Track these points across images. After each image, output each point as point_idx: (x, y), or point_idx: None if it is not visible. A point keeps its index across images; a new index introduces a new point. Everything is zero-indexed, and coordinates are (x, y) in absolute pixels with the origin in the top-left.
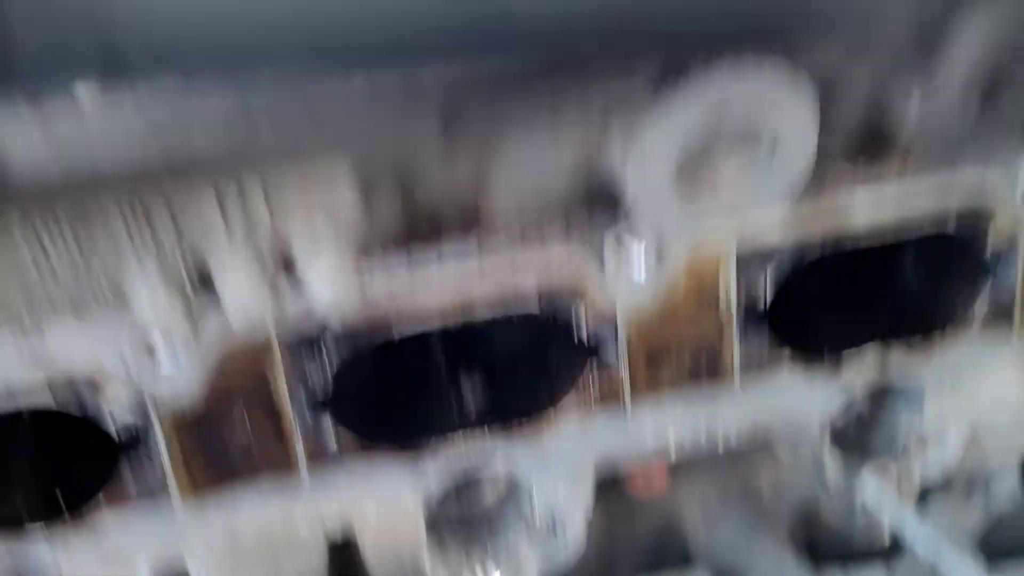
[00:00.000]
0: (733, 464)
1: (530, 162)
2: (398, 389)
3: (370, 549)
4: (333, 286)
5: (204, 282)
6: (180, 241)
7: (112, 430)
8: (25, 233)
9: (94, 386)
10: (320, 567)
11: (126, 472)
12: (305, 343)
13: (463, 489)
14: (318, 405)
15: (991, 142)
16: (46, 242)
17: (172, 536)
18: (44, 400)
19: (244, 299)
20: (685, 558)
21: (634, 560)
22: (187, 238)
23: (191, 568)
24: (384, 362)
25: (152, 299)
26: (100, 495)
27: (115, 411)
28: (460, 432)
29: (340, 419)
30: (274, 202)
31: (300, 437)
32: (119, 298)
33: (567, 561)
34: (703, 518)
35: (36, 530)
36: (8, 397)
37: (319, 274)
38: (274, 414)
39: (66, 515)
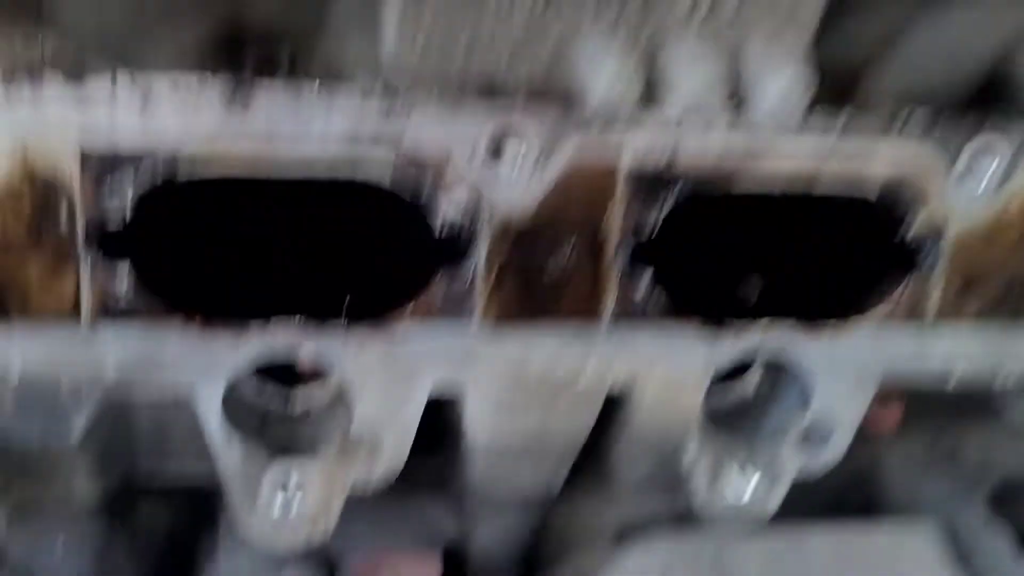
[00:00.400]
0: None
1: (941, 45)
2: (719, 256)
3: (643, 412)
4: (786, 102)
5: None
6: (644, 20)
7: (437, 225)
8: None
9: (437, 174)
10: (592, 416)
11: (436, 283)
12: (651, 183)
13: (739, 376)
14: (642, 257)
15: None
16: None
17: (463, 358)
18: (382, 175)
19: (692, 100)
20: (867, 507)
21: (816, 500)
22: (651, 21)
23: (470, 393)
24: (716, 222)
25: (599, 72)
26: (408, 302)
27: (447, 206)
28: (762, 316)
29: (658, 277)
30: (745, 5)
31: (614, 286)
32: (557, 62)
33: (824, 470)
34: (906, 471)
35: (337, 324)
36: (353, 165)
37: (774, 87)
38: (596, 255)
39: (372, 314)
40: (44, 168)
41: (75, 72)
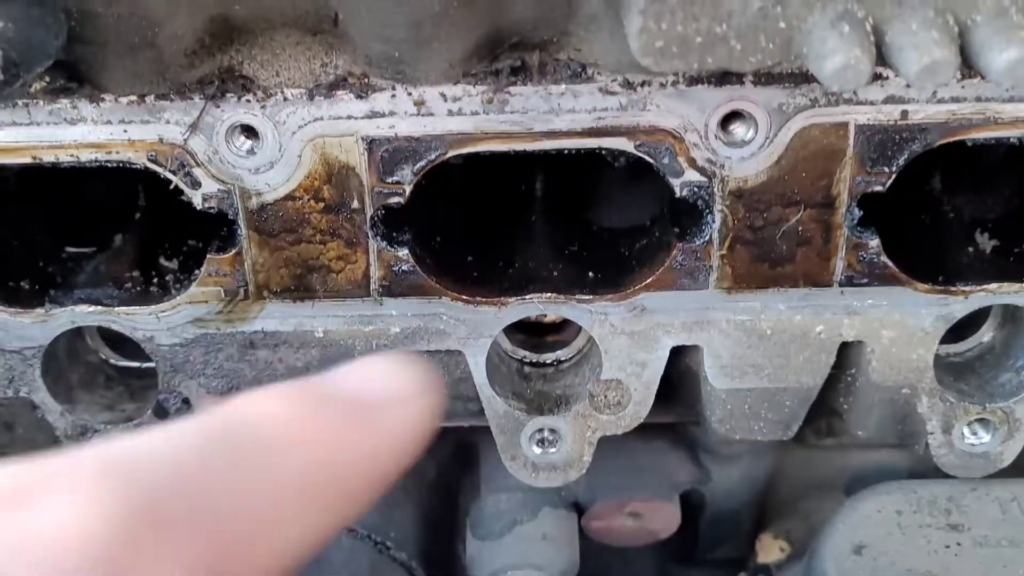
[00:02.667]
0: None
1: None
2: (947, 215)
3: (875, 365)
4: (1015, 71)
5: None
6: None
7: (676, 186)
8: None
9: (673, 152)
10: (825, 369)
11: (674, 253)
12: (879, 150)
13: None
14: (871, 220)
15: None
16: None
17: (699, 322)
18: (624, 145)
19: (921, 67)
20: None
21: None
22: None
23: (707, 351)
24: (941, 182)
25: (829, 50)
26: (647, 269)
27: (686, 169)
28: (993, 273)
29: (887, 239)
30: None
31: (844, 249)
32: (787, 44)
33: None
34: None
35: (585, 294)
36: (592, 132)
37: (1003, 58)
38: (825, 221)
39: (617, 284)
40: (338, 159)
41: (363, 86)
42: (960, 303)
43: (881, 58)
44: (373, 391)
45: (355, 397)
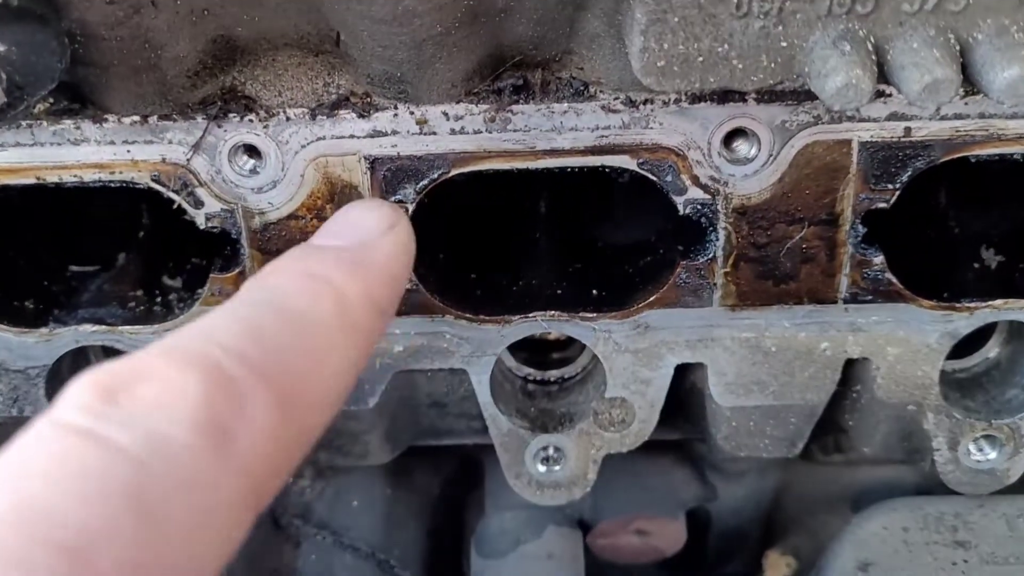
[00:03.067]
0: None
1: None
2: (951, 233)
3: (880, 382)
4: (1017, 89)
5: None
6: (872, 14)
7: (679, 204)
8: None
9: (676, 169)
10: (830, 386)
11: (677, 271)
12: (882, 166)
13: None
14: (875, 237)
15: None
16: None
17: (703, 340)
18: (627, 163)
19: (922, 86)
20: None
21: None
22: (879, 13)
23: (711, 367)
24: (946, 200)
25: (831, 69)
26: (651, 287)
27: (689, 187)
28: (998, 290)
29: (892, 256)
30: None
31: (848, 267)
32: (789, 63)
33: None
34: None
35: (589, 312)
36: (595, 150)
37: (1004, 76)
38: (829, 238)
39: (620, 302)
40: (341, 178)
41: (365, 106)
42: (965, 319)
43: (883, 76)
44: (360, 232)
45: (349, 243)
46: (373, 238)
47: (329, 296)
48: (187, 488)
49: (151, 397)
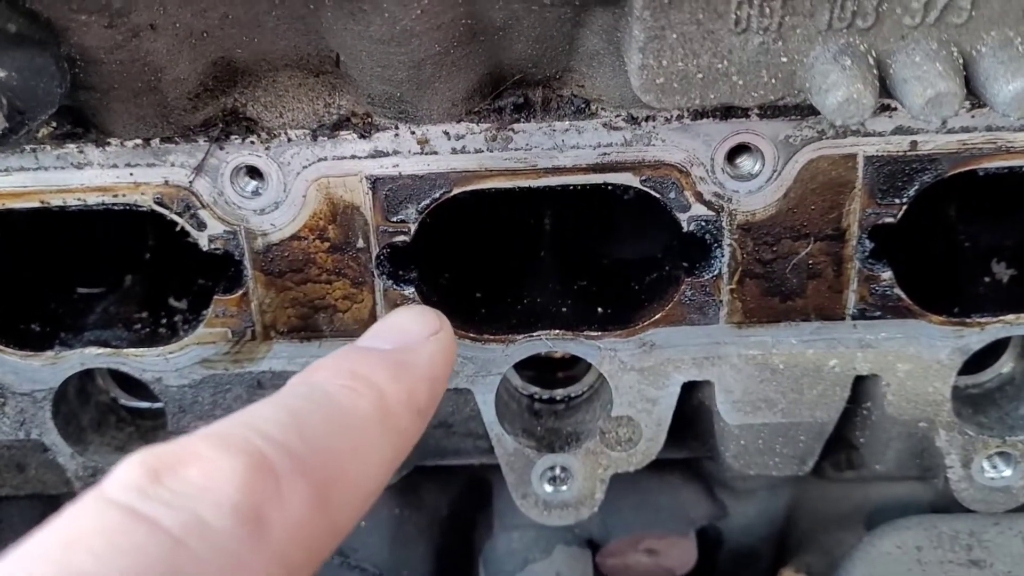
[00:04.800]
0: None
1: None
2: (960, 248)
3: (891, 399)
4: (1020, 105)
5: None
6: (873, 28)
7: (683, 220)
8: (736, 0)
9: (679, 186)
10: (840, 403)
11: (682, 289)
12: (888, 180)
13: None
14: (883, 252)
15: None
16: (752, 11)
17: (710, 358)
18: (629, 180)
19: (926, 100)
20: None
21: None
22: (881, 27)
23: (719, 385)
24: (954, 214)
25: (833, 83)
26: (656, 304)
27: (692, 203)
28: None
29: (900, 271)
30: (978, 6)
31: (856, 283)
32: (790, 79)
33: None
34: None
35: (593, 330)
36: (597, 167)
37: (1009, 89)
38: (836, 254)
39: (625, 320)
40: (343, 198)
41: (366, 126)
42: (976, 335)
43: (886, 91)
44: (405, 336)
45: (393, 346)
46: (416, 342)
47: (371, 396)
48: (222, 570)
49: (194, 479)
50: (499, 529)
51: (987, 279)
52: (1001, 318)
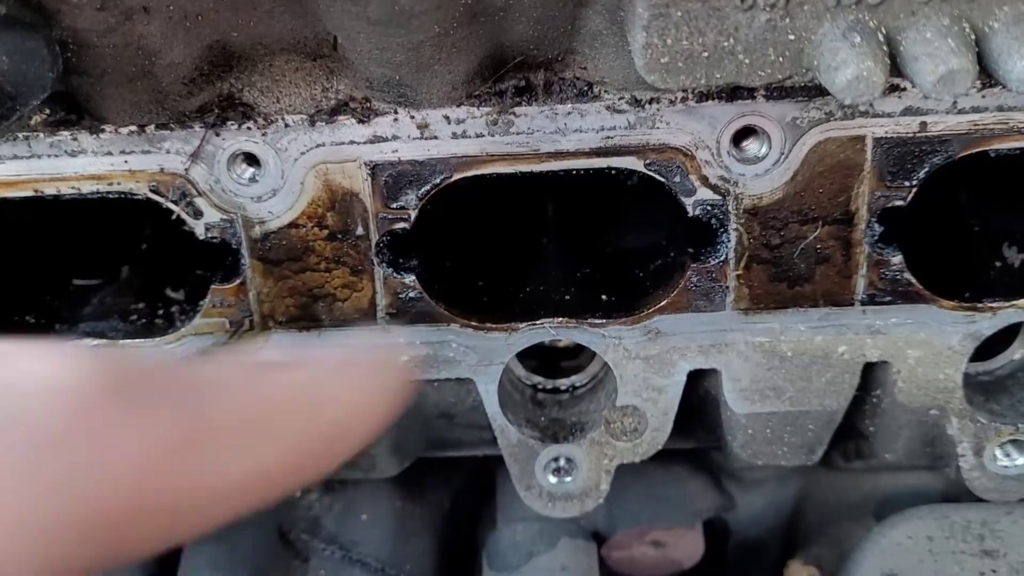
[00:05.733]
0: None
1: None
2: (971, 231)
3: (902, 386)
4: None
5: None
6: (882, 4)
7: (688, 205)
8: None
9: (685, 169)
10: (849, 391)
11: (688, 274)
12: (898, 162)
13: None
14: (892, 236)
15: None
16: None
17: (717, 345)
18: (633, 164)
19: (937, 77)
20: None
21: None
22: (890, 3)
23: (726, 373)
24: (964, 197)
25: (842, 62)
26: (661, 291)
27: (698, 187)
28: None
29: (908, 259)
30: None
31: (865, 267)
32: (798, 57)
33: None
34: None
35: (598, 317)
36: (600, 151)
37: (1020, 66)
38: (845, 238)
39: (630, 307)
40: (342, 185)
41: (364, 111)
42: (988, 320)
43: (896, 69)
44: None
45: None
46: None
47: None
48: None
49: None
50: (503, 522)
51: (998, 263)
52: (1013, 303)
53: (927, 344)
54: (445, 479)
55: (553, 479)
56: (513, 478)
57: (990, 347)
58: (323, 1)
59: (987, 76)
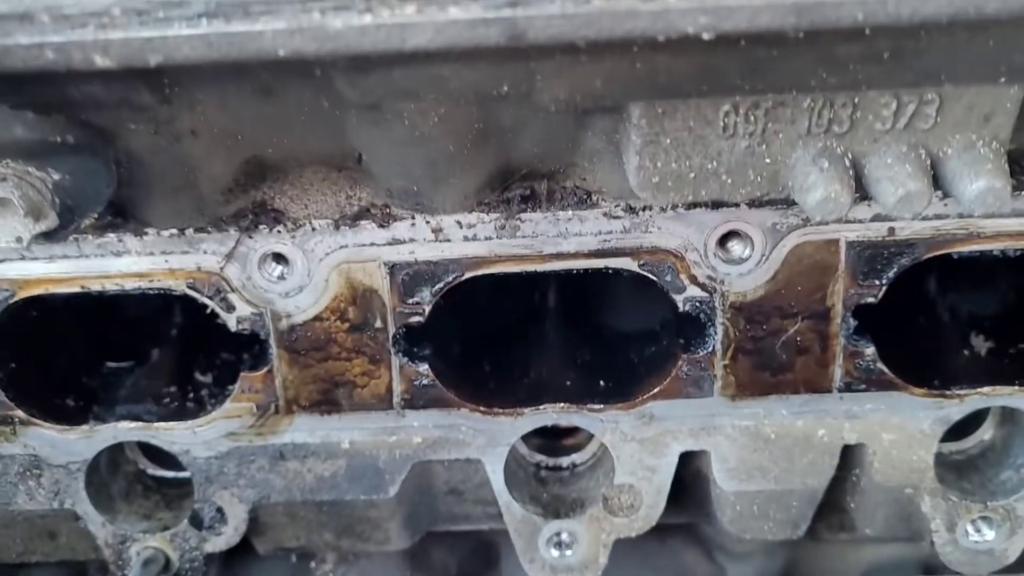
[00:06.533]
0: None
1: None
2: (939, 323)
3: (877, 466)
4: (986, 198)
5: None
6: (848, 133)
7: (679, 301)
8: (724, 109)
9: (675, 270)
10: (829, 470)
11: (679, 365)
12: (869, 264)
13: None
14: (866, 329)
15: None
16: (738, 119)
17: (705, 428)
18: (628, 265)
19: (900, 196)
20: None
21: None
22: (855, 132)
23: (714, 454)
24: (932, 292)
25: (813, 181)
26: (655, 378)
27: (687, 285)
28: (987, 377)
29: (882, 347)
30: (943, 113)
31: (841, 358)
32: (774, 176)
33: None
34: None
35: (596, 404)
36: (598, 253)
37: (974, 188)
38: (822, 331)
39: (626, 395)
40: (362, 282)
41: (384, 216)
42: (956, 406)
43: (862, 188)
44: None
45: None
46: None
47: None
48: None
49: None
50: None
51: (967, 352)
52: (979, 390)
53: (900, 428)
54: (451, 550)
55: (555, 552)
56: (518, 552)
57: (964, 426)
58: (351, 124)
59: (944, 195)
